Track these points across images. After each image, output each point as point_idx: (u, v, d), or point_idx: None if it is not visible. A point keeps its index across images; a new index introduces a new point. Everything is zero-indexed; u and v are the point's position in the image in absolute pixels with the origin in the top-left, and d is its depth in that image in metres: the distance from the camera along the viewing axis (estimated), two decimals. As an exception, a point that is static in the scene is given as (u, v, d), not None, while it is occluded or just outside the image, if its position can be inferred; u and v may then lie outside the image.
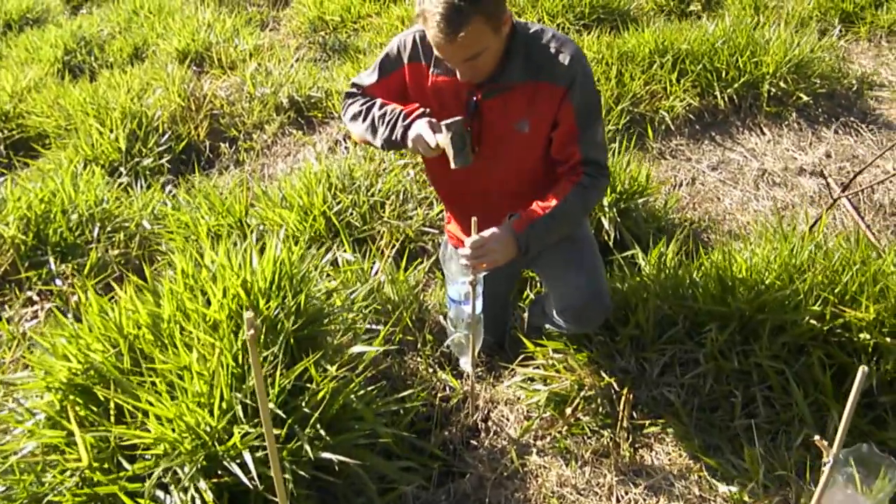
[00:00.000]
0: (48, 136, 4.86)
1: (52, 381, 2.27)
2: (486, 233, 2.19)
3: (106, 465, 2.14)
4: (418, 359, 2.88)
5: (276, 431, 2.06)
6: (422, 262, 3.33)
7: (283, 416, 2.08)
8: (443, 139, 2.17)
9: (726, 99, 4.39)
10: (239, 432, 2.02)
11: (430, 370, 2.83)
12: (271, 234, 3.38)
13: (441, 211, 3.52)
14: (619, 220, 3.30)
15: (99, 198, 3.69)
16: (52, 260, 3.35)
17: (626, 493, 2.29)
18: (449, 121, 2.16)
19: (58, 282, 3.30)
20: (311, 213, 3.47)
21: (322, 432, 2.12)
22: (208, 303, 2.39)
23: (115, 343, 2.39)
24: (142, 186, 4.14)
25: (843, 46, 5.09)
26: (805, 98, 4.37)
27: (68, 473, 2.11)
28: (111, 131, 4.48)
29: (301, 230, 3.45)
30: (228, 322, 2.34)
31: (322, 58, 5.98)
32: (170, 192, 4.22)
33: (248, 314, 1.35)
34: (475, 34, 1.98)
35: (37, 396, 2.32)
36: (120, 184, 4.13)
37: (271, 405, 2.09)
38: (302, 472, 2.01)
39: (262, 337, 2.29)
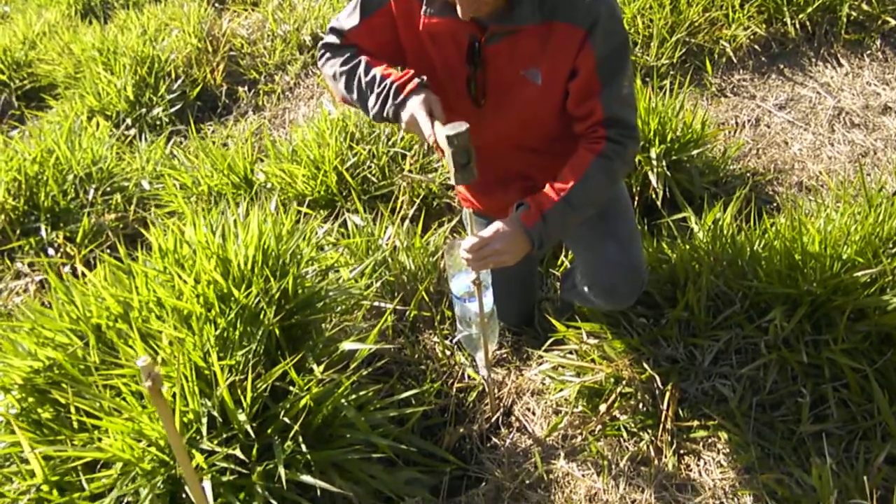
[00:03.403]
0: (58, 85, 4.58)
1: (8, 381, 2.01)
2: (489, 230, 1.80)
3: (67, 479, 1.88)
4: (434, 338, 2.53)
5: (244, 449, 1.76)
6: (444, 224, 2.95)
7: (253, 433, 1.76)
8: (442, 144, 1.72)
9: (797, 25, 3.81)
10: (202, 453, 1.72)
11: (447, 353, 2.49)
12: (277, 193, 3.05)
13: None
14: (668, 174, 2.85)
15: (97, 156, 3.40)
16: (43, 227, 3.09)
17: (668, 515, 1.94)
18: (452, 131, 1.69)
19: (50, 251, 3.05)
20: (322, 169, 3.11)
21: (303, 447, 1.80)
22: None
23: (82, 334, 2.12)
24: (146, 139, 3.84)
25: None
26: (893, 22, 3.77)
27: (22, 489, 1.85)
28: (119, 79, 4.16)
29: (310, 188, 3.10)
30: (207, 313, 2.03)
31: (349, -12, 5.53)
32: (179, 143, 3.92)
33: (141, 361, 1.02)
34: None
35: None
36: (126, 137, 3.84)
37: (242, 416, 1.78)
38: (274, 502, 1.70)
39: (240, 329, 1.97)
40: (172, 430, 1.09)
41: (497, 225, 1.81)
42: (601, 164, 1.82)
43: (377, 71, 1.89)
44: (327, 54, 2.01)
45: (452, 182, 1.80)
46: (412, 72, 1.87)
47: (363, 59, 1.93)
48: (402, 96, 1.83)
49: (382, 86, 1.86)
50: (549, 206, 1.80)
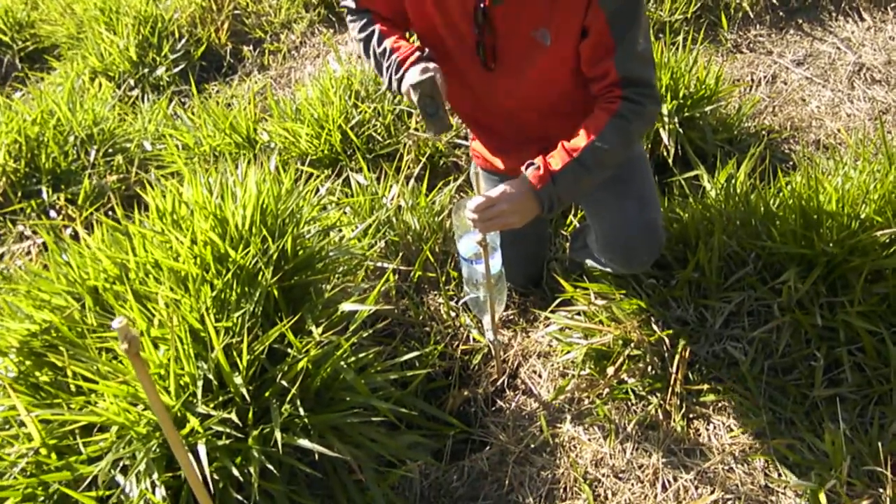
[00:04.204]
0: (60, 46, 4.51)
1: (5, 344, 1.97)
2: (496, 191, 1.75)
3: (67, 442, 1.85)
4: (439, 300, 2.48)
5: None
6: (450, 183, 2.88)
7: (249, 397, 1.72)
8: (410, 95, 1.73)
9: (819, -23, 3.68)
10: (197, 417, 1.68)
11: (452, 314, 2.44)
12: (279, 152, 2.99)
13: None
14: (681, 131, 2.76)
15: (99, 117, 3.34)
16: (45, 189, 3.04)
17: (675, 480, 1.89)
18: (416, 78, 1.70)
19: (52, 213, 3.01)
20: (326, 127, 3.04)
21: (301, 411, 1.76)
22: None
23: (79, 297, 2.08)
24: (149, 100, 3.77)
25: None
26: (918, -27, 3.63)
27: (20, 453, 1.82)
28: (122, 39, 4.09)
29: (314, 147, 3.03)
30: (203, 274, 1.98)
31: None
32: (182, 103, 3.85)
33: (117, 322, 0.97)
34: None
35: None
36: (128, 98, 3.77)
37: (239, 379, 1.74)
38: (270, 467, 1.66)
39: (237, 290, 1.93)
40: (152, 391, 1.05)
41: (503, 186, 1.75)
42: (616, 125, 1.75)
43: (387, 43, 1.89)
44: (349, 16, 2.02)
45: (426, 135, 1.75)
46: (416, 46, 1.88)
47: (377, 28, 1.92)
48: (402, 71, 1.83)
49: (389, 60, 1.87)
50: (559, 167, 1.74)
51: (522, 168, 1.79)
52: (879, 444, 1.79)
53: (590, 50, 1.76)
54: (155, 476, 1.67)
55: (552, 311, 2.33)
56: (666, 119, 2.75)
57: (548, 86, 1.91)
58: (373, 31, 1.93)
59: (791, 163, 2.87)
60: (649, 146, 2.79)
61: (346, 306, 1.99)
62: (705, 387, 2.06)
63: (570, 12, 1.71)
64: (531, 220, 1.80)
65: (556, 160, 1.76)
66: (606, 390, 2.13)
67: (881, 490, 1.74)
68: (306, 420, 1.75)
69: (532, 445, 2.06)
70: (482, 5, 1.76)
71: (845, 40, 3.52)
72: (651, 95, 1.78)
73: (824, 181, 2.18)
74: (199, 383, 1.74)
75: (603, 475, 1.94)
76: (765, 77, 3.41)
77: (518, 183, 1.76)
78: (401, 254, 2.53)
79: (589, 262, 2.34)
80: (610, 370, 2.14)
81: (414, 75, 1.76)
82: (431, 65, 1.78)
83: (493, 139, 2.22)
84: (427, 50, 1.87)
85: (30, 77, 4.31)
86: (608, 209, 2.04)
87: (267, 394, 1.79)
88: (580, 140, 1.76)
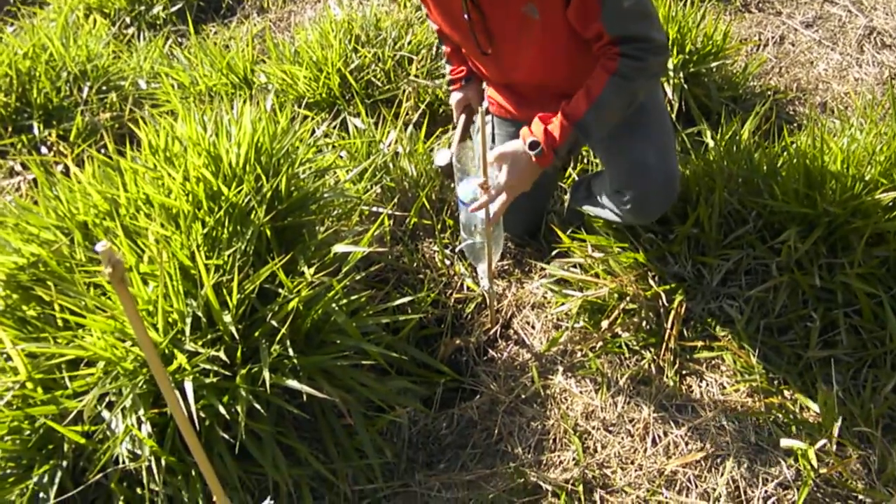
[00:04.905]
0: (54, -20, 4.40)
1: (-8, 276, 1.94)
2: (495, 152, 1.86)
3: (54, 376, 1.83)
4: (434, 247, 2.45)
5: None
6: (450, 130, 2.83)
7: (238, 335, 1.69)
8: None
9: (834, -64, 3.59)
10: (185, 354, 1.66)
11: (447, 262, 2.41)
12: (276, 93, 2.93)
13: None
14: (685, 86, 2.71)
15: (93, 54, 3.27)
16: (36, 124, 2.98)
17: (666, 434, 1.88)
18: (438, 160, 2.20)
19: (43, 149, 2.95)
20: (325, 70, 2.98)
21: (291, 352, 1.74)
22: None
23: (68, 231, 2.04)
24: (145, 38, 3.69)
25: None
26: (935, -65, 3.54)
27: (6, 386, 1.80)
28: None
29: (312, 90, 2.97)
30: (195, 211, 1.94)
31: None
32: (179, 42, 3.77)
33: (101, 245, 0.93)
34: None
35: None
36: (124, 35, 3.69)
37: (228, 318, 1.71)
38: (258, 406, 1.64)
39: (229, 228, 1.89)
40: (136, 320, 1.01)
41: (502, 148, 1.84)
42: (616, 84, 1.74)
43: (447, 58, 2.30)
44: None
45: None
46: (463, 69, 2.26)
47: (444, 48, 2.30)
48: (451, 88, 2.30)
49: (446, 78, 2.31)
50: (561, 140, 1.80)
51: (523, 141, 1.84)
52: (871, 405, 1.78)
53: (575, 14, 1.75)
54: (141, 412, 1.65)
55: (548, 262, 2.30)
56: (671, 73, 2.70)
57: (550, 55, 1.92)
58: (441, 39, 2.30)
59: (796, 123, 2.83)
60: (653, 101, 2.74)
61: (338, 248, 1.95)
62: (699, 344, 2.04)
63: None
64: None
65: (556, 130, 1.80)
66: (600, 343, 2.11)
67: (870, 451, 1.73)
68: (295, 361, 1.73)
69: (523, 396, 2.05)
70: None
71: (857, 3, 3.45)
72: (651, 49, 1.74)
73: (830, 141, 2.14)
74: (188, 320, 1.71)
75: (593, 428, 1.93)
76: (773, 38, 3.34)
77: (518, 158, 1.84)
78: (396, 199, 2.49)
79: (593, 211, 2.30)
80: (604, 323, 2.12)
81: (453, 103, 2.29)
82: (447, 156, 2.17)
83: (513, 96, 2.22)
84: (464, 78, 2.26)
85: (22, 11, 4.21)
86: (626, 155, 2.02)
87: (256, 333, 1.77)
88: (580, 105, 1.78)
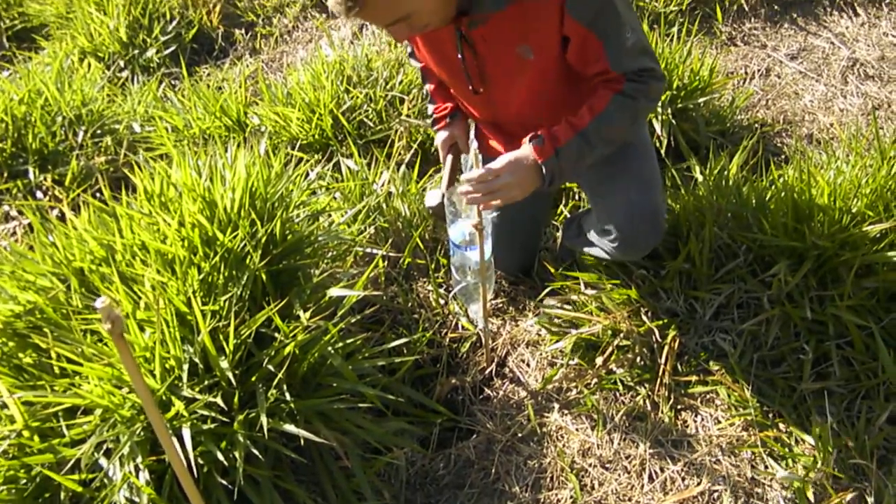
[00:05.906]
0: (49, 25, 4.46)
1: (-13, 324, 1.95)
2: (499, 162, 1.75)
3: (51, 424, 1.83)
4: (429, 287, 2.46)
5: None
6: (441, 170, 2.86)
7: (235, 381, 1.70)
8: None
9: (814, -29, 3.68)
10: (182, 401, 1.66)
11: (441, 302, 2.42)
12: (270, 136, 2.96)
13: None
14: (674, 122, 2.75)
15: (87, 98, 3.30)
16: (31, 169, 3.01)
17: (662, 471, 1.88)
18: (429, 200, 2.14)
19: (38, 194, 2.97)
20: (317, 112, 3.02)
21: (287, 396, 1.75)
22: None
23: (64, 278, 2.06)
24: (139, 81, 3.73)
25: None
26: (913, -32, 3.62)
27: (2, 435, 1.80)
28: (112, 20, 4.04)
29: (305, 132, 3.01)
30: (191, 257, 1.96)
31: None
32: (172, 85, 3.81)
33: (100, 301, 0.95)
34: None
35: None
36: (118, 79, 3.73)
37: (225, 363, 1.72)
38: (255, 452, 1.65)
39: (225, 274, 1.91)
40: (135, 372, 1.03)
41: (508, 157, 1.76)
42: (621, 101, 1.76)
43: (430, 96, 2.27)
44: None
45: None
46: (447, 107, 2.22)
47: (427, 85, 2.28)
48: (435, 127, 2.24)
49: (431, 117, 2.26)
50: (563, 141, 1.76)
51: (525, 140, 1.80)
52: (866, 437, 1.79)
53: (576, 57, 1.77)
54: (139, 460, 1.65)
55: (541, 300, 2.32)
56: (659, 110, 2.74)
57: (540, 94, 1.93)
58: (426, 80, 2.27)
59: (783, 156, 2.87)
60: (642, 137, 2.78)
61: (334, 291, 1.97)
62: (694, 378, 2.06)
63: (545, 26, 1.72)
64: (529, 196, 1.82)
65: (561, 134, 1.78)
66: (595, 380, 2.12)
67: (866, 483, 1.74)
68: (292, 405, 1.74)
69: (519, 434, 2.06)
70: (461, 31, 1.79)
71: (839, 35, 3.51)
72: (653, 75, 1.78)
73: (816, 175, 2.17)
74: (185, 367, 1.72)
75: (590, 465, 1.94)
76: (759, 70, 3.40)
77: (521, 155, 1.77)
78: (390, 240, 2.51)
79: (586, 250, 2.32)
80: (598, 360, 2.13)
81: (438, 143, 2.22)
82: (437, 198, 2.11)
83: (501, 134, 2.23)
84: (450, 110, 2.21)
85: (17, 56, 4.26)
86: (611, 194, 2.03)
87: (253, 378, 1.78)
88: (584, 116, 1.78)
